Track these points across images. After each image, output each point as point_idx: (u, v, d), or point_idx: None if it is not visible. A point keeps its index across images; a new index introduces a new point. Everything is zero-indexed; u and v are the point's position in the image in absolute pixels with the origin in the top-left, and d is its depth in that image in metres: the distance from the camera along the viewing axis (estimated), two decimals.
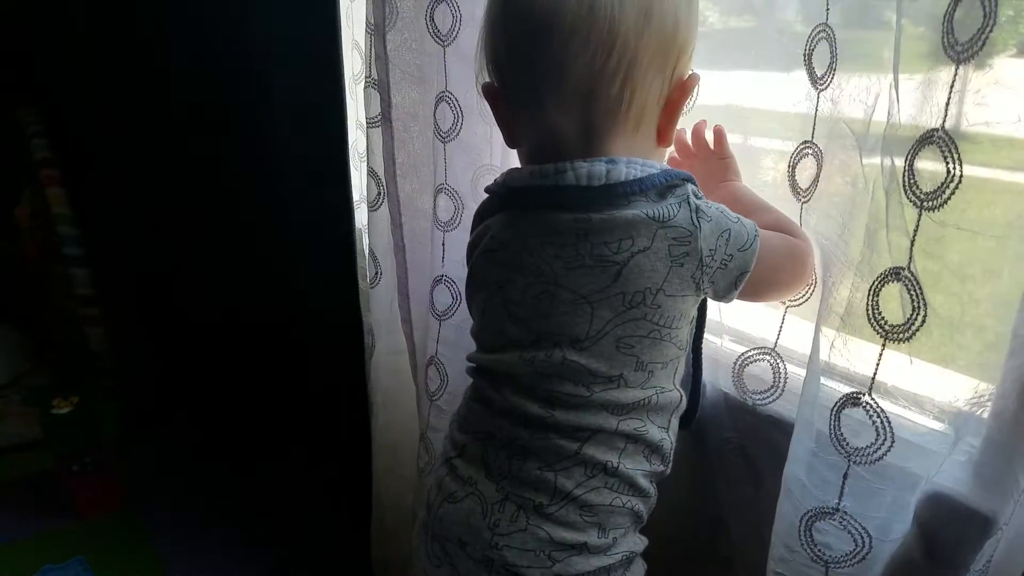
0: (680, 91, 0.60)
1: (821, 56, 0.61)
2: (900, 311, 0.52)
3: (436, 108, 0.86)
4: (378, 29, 0.86)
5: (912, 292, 0.51)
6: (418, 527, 0.69)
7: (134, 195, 1.74)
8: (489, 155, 0.87)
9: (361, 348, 1.11)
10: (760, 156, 0.74)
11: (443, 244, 0.90)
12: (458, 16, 0.82)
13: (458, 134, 0.85)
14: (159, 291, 1.82)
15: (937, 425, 0.61)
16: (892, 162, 0.51)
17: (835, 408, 0.57)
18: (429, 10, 0.82)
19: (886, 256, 0.52)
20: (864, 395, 0.55)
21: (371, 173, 0.98)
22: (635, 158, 0.59)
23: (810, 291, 0.67)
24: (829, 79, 0.60)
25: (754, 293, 0.64)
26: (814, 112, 0.62)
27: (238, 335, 1.58)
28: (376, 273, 1.02)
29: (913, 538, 0.56)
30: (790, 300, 0.68)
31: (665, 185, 0.59)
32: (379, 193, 0.98)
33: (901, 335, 0.52)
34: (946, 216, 0.48)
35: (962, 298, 0.51)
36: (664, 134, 0.61)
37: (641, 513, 0.64)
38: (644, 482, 0.62)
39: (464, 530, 0.62)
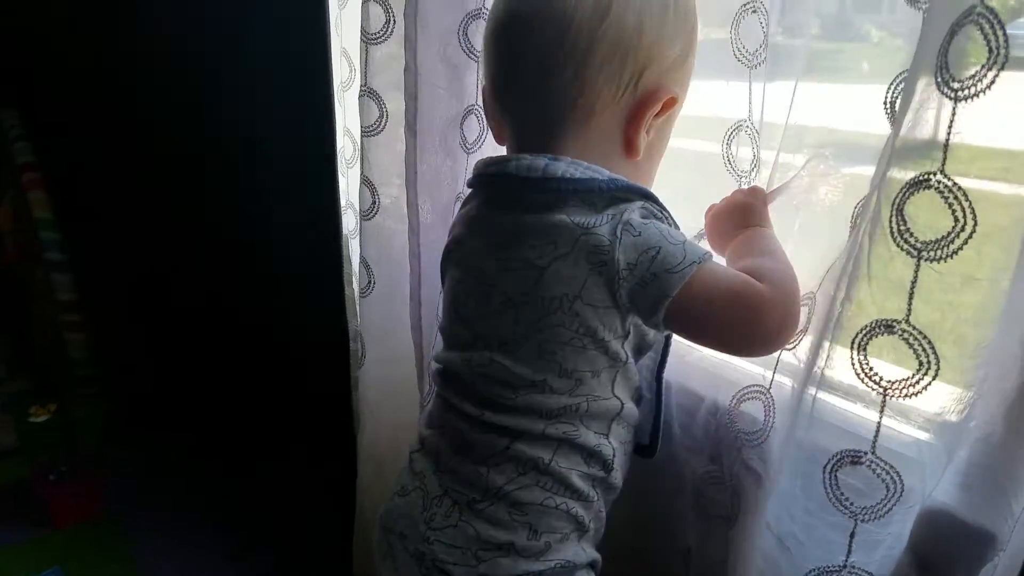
0: (646, 102, 0.59)
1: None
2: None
3: (464, 120, 0.87)
4: (409, 42, 0.86)
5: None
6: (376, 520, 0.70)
7: (117, 199, 1.72)
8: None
9: (347, 358, 1.10)
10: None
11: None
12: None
13: (481, 146, 0.87)
14: (142, 297, 1.79)
15: (923, 435, 0.60)
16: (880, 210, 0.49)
17: (830, 466, 0.55)
18: (463, 25, 0.83)
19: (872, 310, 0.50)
20: (867, 454, 0.54)
21: (365, 182, 0.97)
22: (583, 161, 0.58)
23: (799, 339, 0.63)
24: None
25: (688, 329, 0.60)
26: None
27: (221, 342, 1.56)
28: (369, 282, 1.01)
29: (906, 557, 0.56)
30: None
31: (608, 193, 0.58)
32: (373, 202, 0.97)
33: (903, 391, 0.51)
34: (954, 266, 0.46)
35: (942, 306, 0.50)
36: (631, 145, 0.60)
37: (583, 520, 0.61)
38: (581, 483, 0.60)
39: (405, 523, 0.63)
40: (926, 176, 0.46)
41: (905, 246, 0.48)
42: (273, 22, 1.19)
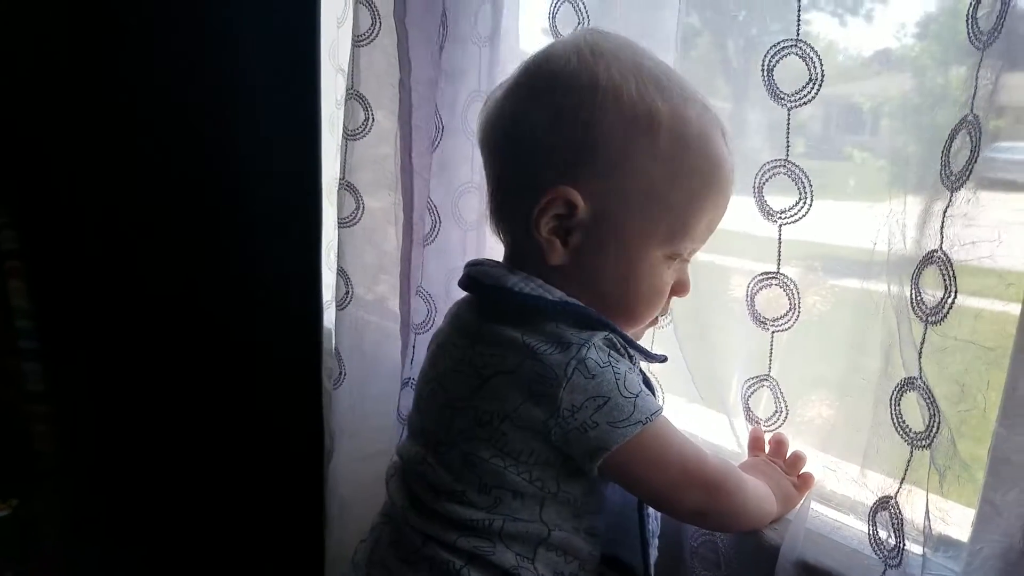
0: (534, 202, 0.56)
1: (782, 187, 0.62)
2: (920, 419, 0.53)
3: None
4: (404, 142, 0.89)
5: (926, 399, 0.52)
6: None
7: (94, 286, 1.70)
8: None
9: (320, 453, 1.07)
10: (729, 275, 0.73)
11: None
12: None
13: (434, 239, 0.88)
14: (113, 390, 1.75)
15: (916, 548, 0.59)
16: (900, 284, 0.54)
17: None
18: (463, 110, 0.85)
19: (900, 368, 0.54)
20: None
21: (340, 272, 0.97)
22: (537, 279, 0.57)
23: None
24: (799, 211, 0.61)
25: (627, 485, 0.59)
26: (778, 242, 0.63)
27: (194, 437, 1.52)
28: (340, 373, 0.99)
29: None
30: None
31: (566, 314, 0.55)
32: (347, 292, 0.97)
33: (923, 441, 0.52)
34: (946, 329, 0.50)
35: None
36: (541, 249, 0.57)
37: None
38: None
39: None
40: None
41: (919, 313, 0.51)
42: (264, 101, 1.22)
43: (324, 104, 1.11)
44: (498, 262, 0.62)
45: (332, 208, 1.05)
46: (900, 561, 0.55)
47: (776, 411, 0.68)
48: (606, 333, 0.55)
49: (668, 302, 0.62)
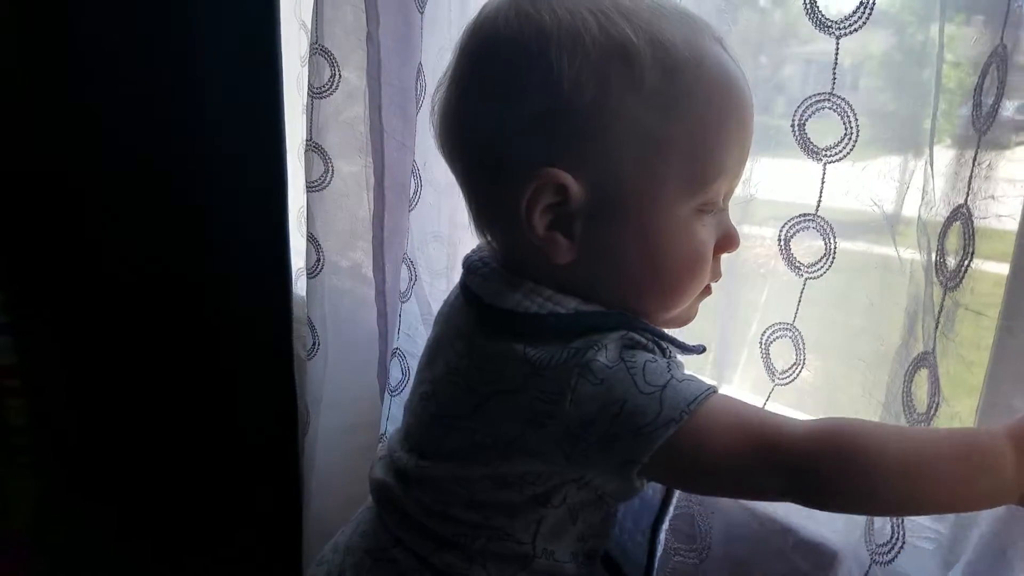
0: (521, 193, 0.46)
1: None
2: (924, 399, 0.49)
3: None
4: (374, 99, 0.84)
5: (932, 378, 0.48)
6: None
7: (62, 262, 1.65)
8: None
9: (295, 424, 1.04)
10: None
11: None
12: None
13: (417, 204, 0.84)
14: (86, 364, 1.71)
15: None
16: (928, 242, 0.49)
17: None
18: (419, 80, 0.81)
19: (920, 342, 0.50)
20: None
21: (310, 239, 0.93)
22: (546, 289, 0.48)
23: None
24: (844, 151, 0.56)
25: (681, 486, 0.52)
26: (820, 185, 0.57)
27: (165, 410, 1.48)
28: (313, 344, 0.96)
29: None
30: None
31: (576, 327, 0.46)
32: (318, 260, 0.93)
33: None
34: (959, 296, 0.46)
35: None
36: (542, 246, 0.48)
37: None
38: None
39: None
40: None
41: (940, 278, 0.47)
42: (224, 78, 1.16)
43: (291, 63, 1.06)
44: (496, 269, 0.51)
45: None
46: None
47: (795, 363, 0.62)
48: (625, 331, 0.46)
49: (718, 264, 0.51)
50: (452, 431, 0.51)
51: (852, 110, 0.55)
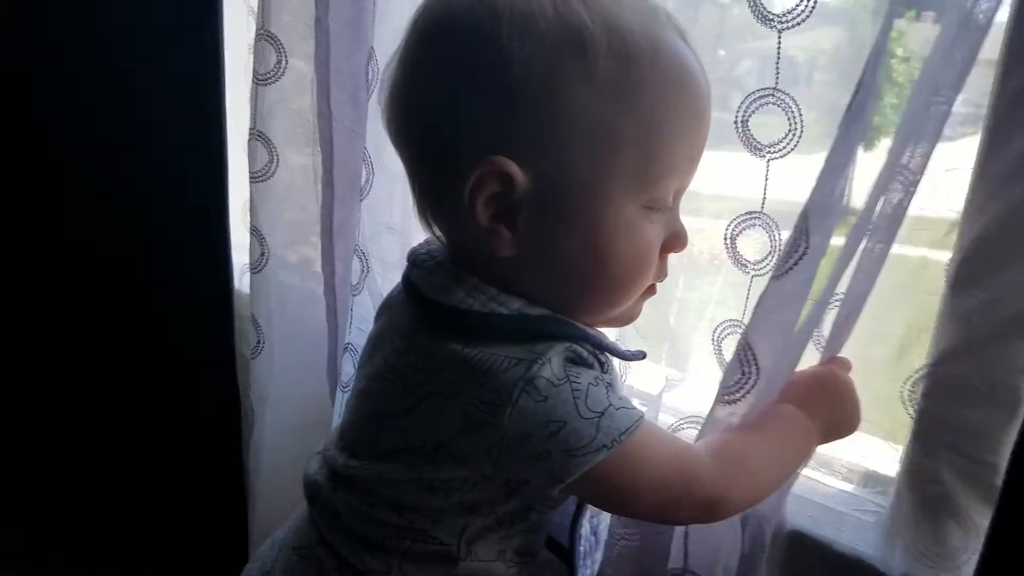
0: (463, 180, 0.44)
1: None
2: None
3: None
4: (322, 86, 0.81)
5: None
6: None
7: None
8: None
9: (239, 425, 1.00)
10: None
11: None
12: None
13: (369, 193, 0.81)
14: (19, 366, 1.61)
15: (847, 486, 0.62)
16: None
17: None
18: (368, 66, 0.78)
19: None
20: None
21: (254, 232, 0.89)
22: (491, 288, 0.47)
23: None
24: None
25: (593, 502, 0.52)
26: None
27: (105, 413, 1.41)
28: (258, 342, 0.92)
29: None
30: None
31: (523, 330, 0.46)
32: (263, 254, 0.89)
33: None
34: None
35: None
36: (487, 243, 0.46)
37: None
38: None
39: None
40: None
41: None
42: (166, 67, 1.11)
43: (240, 50, 1.02)
44: (441, 263, 0.50)
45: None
46: None
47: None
48: (569, 343, 0.45)
49: (664, 263, 0.50)
50: (385, 431, 0.49)
51: (796, 105, 0.55)
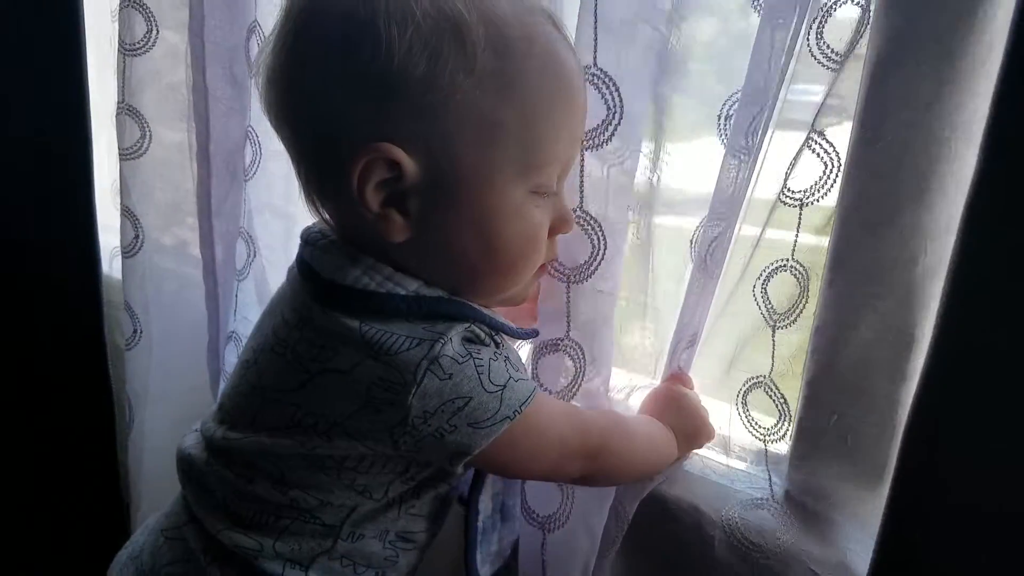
0: (352, 166, 0.44)
1: None
2: None
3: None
4: (196, 59, 0.76)
5: None
6: None
7: None
8: None
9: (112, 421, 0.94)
10: None
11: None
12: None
13: (255, 174, 0.77)
14: None
15: (740, 464, 0.63)
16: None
17: None
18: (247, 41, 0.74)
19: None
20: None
21: (126, 212, 0.83)
22: (386, 267, 0.47)
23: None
24: None
25: (500, 474, 0.55)
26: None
27: None
28: (134, 331, 0.86)
29: None
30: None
31: (420, 311, 0.46)
32: (136, 236, 0.84)
33: None
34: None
35: None
36: (379, 229, 0.46)
37: None
38: None
39: None
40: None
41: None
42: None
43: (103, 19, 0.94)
44: (335, 242, 0.49)
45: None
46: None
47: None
48: (468, 324, 0.47)
49: (553, 245, 0.52)
50: (271, 404, 0.49)
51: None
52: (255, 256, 0.78)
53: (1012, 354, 0.41)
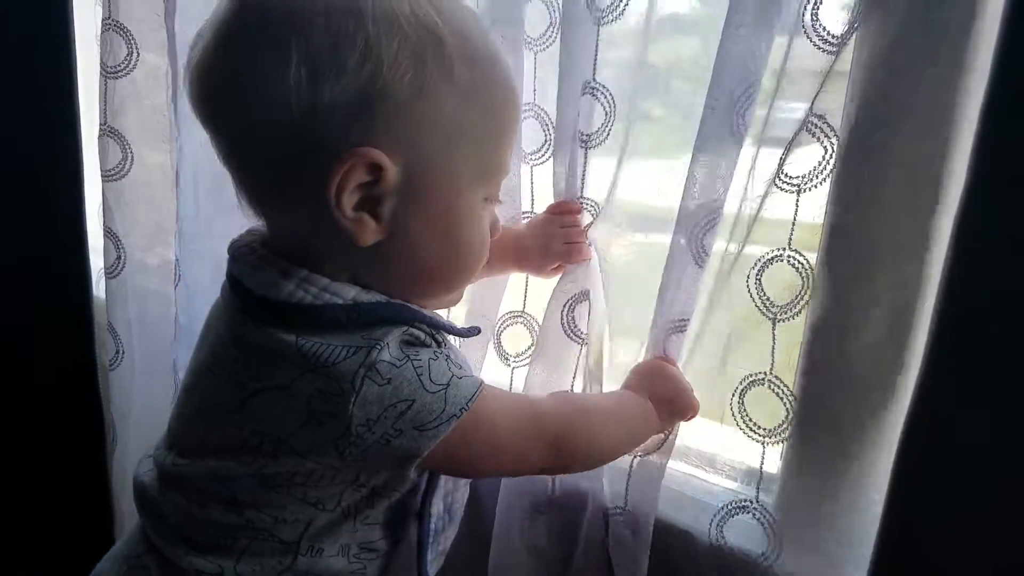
0: (331, 171, 0.44)
1: None
2: None
3: None
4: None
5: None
6: None
7: None
8: None
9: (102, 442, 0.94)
10: None
11: None
12: None
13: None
14: None
15: (730, 484, 0.63)
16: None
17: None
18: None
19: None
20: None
21: (108, 234, 0.84)
22: (321, 278, 0.46)
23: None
24: None
25: (458, 474, 0.54)
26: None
27: None
28: (117, 352, 0.87)
29: None
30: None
31: (359, 319, 0.46)
32: (119, 257, 0.84)
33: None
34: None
35: None
36: (344, 234, 0.46)
37: None
38: None
39: None
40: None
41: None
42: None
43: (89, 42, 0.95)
44: (266, 256, 0.48)
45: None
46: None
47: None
48: (406, 327, 0.46)
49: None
50: (215, 427, 0.48)
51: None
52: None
53: (1012, 351, 0.41)
